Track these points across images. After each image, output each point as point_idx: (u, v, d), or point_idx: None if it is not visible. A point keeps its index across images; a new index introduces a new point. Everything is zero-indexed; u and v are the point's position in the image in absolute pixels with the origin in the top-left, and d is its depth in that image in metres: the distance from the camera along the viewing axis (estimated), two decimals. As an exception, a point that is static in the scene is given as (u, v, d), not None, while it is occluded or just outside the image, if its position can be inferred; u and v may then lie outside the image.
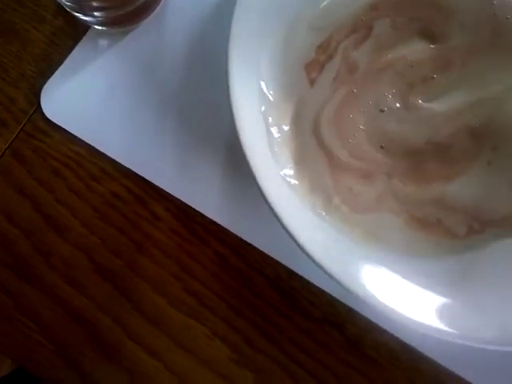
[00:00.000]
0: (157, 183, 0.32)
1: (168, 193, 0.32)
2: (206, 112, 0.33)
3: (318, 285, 0.30)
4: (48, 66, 0.34)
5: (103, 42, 0.34)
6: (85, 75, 0.34)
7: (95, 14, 0.33)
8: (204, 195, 0.32)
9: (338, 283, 0.27)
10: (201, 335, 0.30)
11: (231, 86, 0.28)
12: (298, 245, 0.27)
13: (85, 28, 0.34)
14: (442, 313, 0.28)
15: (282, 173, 0.29)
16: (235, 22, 0.28)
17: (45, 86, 0.34)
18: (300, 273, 0.31)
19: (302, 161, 0.30)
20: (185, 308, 0.30)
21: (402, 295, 0.28)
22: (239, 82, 0.28)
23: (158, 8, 0.35)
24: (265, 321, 0.30)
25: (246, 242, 0.31)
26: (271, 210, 0.27)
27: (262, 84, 0.30)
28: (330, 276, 0.27)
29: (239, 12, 0.28)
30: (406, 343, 0.29)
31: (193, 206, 0.32)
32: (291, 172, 0.30)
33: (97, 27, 0.34)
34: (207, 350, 0.30)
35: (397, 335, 0.30)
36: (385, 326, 0.30)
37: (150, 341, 0.30)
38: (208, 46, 0.34)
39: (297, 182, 0.30)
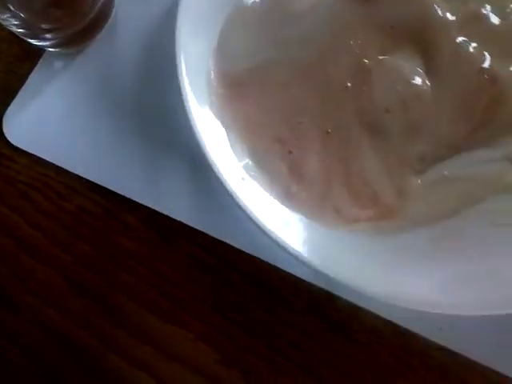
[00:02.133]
0: (123, 193, 0.32)
1: (135, 201, 0.32)
2: (164, 118, 0.33)
3: (296, 274, 0.30)
4: (7, 94, 0.34)
5: (58, 64, 0.35)
6: (43, 98, 0.34)
7: (47, 36, 0.34)
8: (171, 199, 0.32)
9: (313, 269, 0.27)
10: (183, 339, 0.30)
11: (181, 84, 0.28)
12: (268, 236, 0.27)
13: (40, 52, 0.35)
14: (418, 285, 0.27)
15: (241, 165, 0.29)
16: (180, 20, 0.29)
17: (6, 113, 0.34)
18: (277, 265, 0.30)
19: (257, 152, 0.30)
20: (164, 314, 0.30)
21: (376, 273, 0.28)
22: (189, 77, 0.29)
23: (108, 25, 0.36)
24: (246, 317, 0.30)
25: (218, 240, 0.31)
26: (236, 203, 0.27)
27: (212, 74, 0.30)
28: (303, 263, 0.27)
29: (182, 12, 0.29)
30: (389, 321, 0.29)
31: (161, 211, 0.32)
32: (250, 163, 0.30)
33: (50, 49, 0.35)
34: (192, 354, 0.29)
35: (380, 314, 0.29)
36: (367, 307, 0.29)
37: (133, 352, 0.30)
38: (158, 53, 0.34)
39: (257, 173, 0.29)
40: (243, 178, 0.29)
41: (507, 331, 0.28)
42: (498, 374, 0.28)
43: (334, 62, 0.31)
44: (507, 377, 0.28)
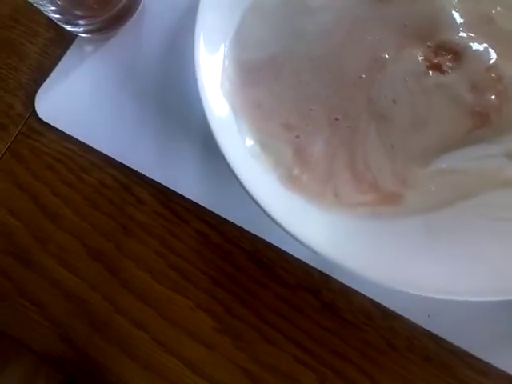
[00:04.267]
0: (140, 170, 0.35)
1: (151, 178, 0.34)
2: (181, 103, 0.35)
3: (292, 253, 0.32)
4: (41, 74, 0.37)
5: (88, 49, 0.38)
6: (73, 79, 0.37)
7: (79, 22, 0.36)
8: (184, 178, 0.34)
9: (308, 249, 0.28)
10: (184, 307, 0.32)
11: (197, 70, 0.31)
12: (268, 215, 0.29)
13: (72, 37, 0.38)
14: (410, 270, 0.29)
15: (248, 147, 0.31)
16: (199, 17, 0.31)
17: (38, 92, 0.37)
18: (275, 244, 0.32)
19: (264, 136, 0.32)
20: (169, 283, 0.32)
21: (369, 256, 0.29)
22: (204, 63, 0.31)
23: (136, 14, 0.38)
24: (243, 290, 0.32)
25: (224, 219, 0.33)
26: (240, 184, 0.29)
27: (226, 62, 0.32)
28: (300, 243, 0.28)
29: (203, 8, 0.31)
30: (379, 303, 0.30)
31: (174, 189, 0.34)
32: (257, 147, 0.32)
33: (82, 35, 0.38)
34: (191, 321, 0.32)
35: (370, 296, 0.30)
36: (358, 289, 0.31)
37: (137, 314, 0.32)
38: (180, 43, 0.36)
39: (262, 156, 0.31)
40: (248, 160, 0.31)
41: (491, 320, 0.29)
42: (479, 360, 0.29)
43: (351, 54, 0.33)
44: (489, 363, 0.28)
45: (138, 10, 0.38)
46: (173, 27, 0.38)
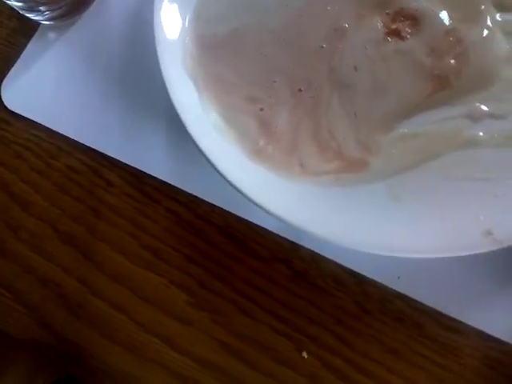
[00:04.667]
0: (108, 153, 0.35)
1: (119, 160, 0.34)
2: (147, 84, 0.35)
3: (263, 226, 0.32)
4: (6, 64, 0.37)
5: (52, 36, 0.38)
6: (38, 67, 0.37)
7: (41, 9, 0.36)
8: (152, 158, 0.34)
9: (276, 219, 0.29)
10: (159, 285, 0.32)
11: (158, 48, 0.31)
12: (235, 187, 0.29)
13: (36, 26, 0.38)
14: (377, 232, 0.29)
15: (212, 123, 0.32)
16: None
17: (4, 82, 0.37)
18: (246, 217, 0.32)
19: (227, 110, 0.32)
20: (142, 262, 0.33)
21: (336, 221, 0.29)
22: (164, 41, 0.31)
23: (98, -1, 0.38)
24: (217, 265, 0.32)
25: (194, 196, 0.33)
26: (206, 159, 0.29)
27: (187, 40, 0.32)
28: (268, 213, 0.29)
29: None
30: (350, 269, 0.31)
31: (143, 170, 0.34)
32: (221, 121, 0.32)
33: (45, 23, 0.38)
34: (165, 298, 0.32)
35: (341, 262, 0.31)
36: (329, 256, 0.31)
37: (112, 295, 0.32)
38: (143, 24, 0.36)
39: (226, 130, 0.32)
40: (212, 134, 0.31)
41: (460, 278, 0.30)
42: (451, 318, 0.29)
43: (311, 25, 0.33)
44: (460, 321, 0.29)
45: (99, -5, 0.38)
46: (136, 8, 0.38)
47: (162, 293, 0.32)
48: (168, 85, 0.31)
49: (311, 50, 0.33)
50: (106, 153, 0.35)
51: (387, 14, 0.33)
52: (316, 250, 0.31)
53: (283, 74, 0.33)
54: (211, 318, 0.31)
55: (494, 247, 0.26)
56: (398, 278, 0.30)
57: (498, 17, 0.32)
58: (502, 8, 0.32)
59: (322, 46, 0.33)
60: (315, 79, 0.33)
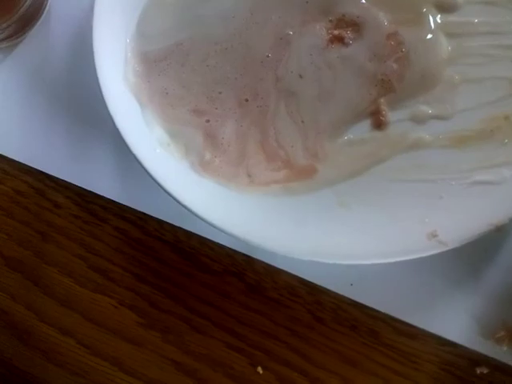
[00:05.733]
0: (54, 174, 0.34)
1: (66, 181, 0.33)
2: (90, 102, 0.35)
3: (214, 240, 0.31)
4: None
5: (-6, 57, 0.37)
6: (-19, 90, 0.36)
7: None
8: (98, 177, 0.34)
9: (225, 233, 0.28)
10: (108, 307, 0.31)
11: (97, 62, 0.30)
12: (182, 205, 0.28)
13: (-23, 47, 0.37)
14: (325, 240, 0.29)
15: (156, 138, 0.31)
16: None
17: None
18: (196, 232, 0.32)
19: (172, 124, 0.31)
20: (91, 284, 0.32)
21: (285, 233, 0.29)
22: (105, 59, 0.31)
23: (42, 18, 0.38)
24: (168, 283, 0.31)
25: (143, 213, 0.32)
26: (151, 177, 0.29)
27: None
28: (217, 229, 0.28)
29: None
30: (303, 279, 0.30)
31: (90, 189, 0.33)
32: (165, 136, 0.31)
33: (-14, 45, 0.37)
34: (115, 320, 0.31)
35: (294, 273, 0.30)
36: (282, 267, 0.30)
37: (60, 320, 0.31)
38: (86, 43, 0.36)
39: (172, 145, 0.31)
40: (156, 150, 0.31)
41: (411, 283, 0.29)
42: (404, 323, 0.29)
43: (256, 35, 0.33)
44: (413, 325, 0.29)
45: (43, 14, 0.38)
46: (79, 27, 0.37)
47: (111, 314, 0.31)
48: (108, 103, 0.30)
49: (257, 60, 0.33)
50: (52, 174, 0.34)
51: (330, 21, 0.33)
52: (269, 262, 0.30)
53: (229, 84, 0.32)
54: (163, 337, 0.30)
55: (440, 249, 0.26)
56: (351, 285, 0.30)
57: (438, 19, 0.32)
58: (443, 9, 0.32)
59: (268, 55, 0.32)
60: (262, 88, 0.32)
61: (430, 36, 0.32)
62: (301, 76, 0.32)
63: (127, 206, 0.33)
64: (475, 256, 0.29)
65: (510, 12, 0.31)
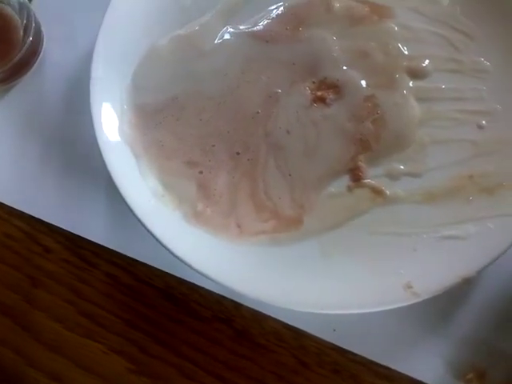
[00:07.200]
0: (46, 219, 0.35)
1: (57, 226, 0.34)
2: (83, 149, 0.36)
3: (204, 286, 0.33)
4: None
5: (-13, 102, 0.38)
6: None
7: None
8: (90, 223, 0.35)
9: (214, 282, 0.30)
10: (97, 352, 0.32)
11: (93, 113, 0.32)
12: (173, 254, 0.30)
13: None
14: (310, 290, 0.31)
15: (150, 189, 0.32)
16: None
17: None
18: (186, 278, 0.33)
19: (166, 175, 0.33)
20: (80, 330, 0.32)
21: (271, 282, 0.31)
22: (100, 109, 0.32)
23: (36, 64, 0.39)
24: (158, 328, 0.32)
25: (133, 259, 0.33)
26: (143, 226, 0.30)
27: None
28: (206, 278, 0.30)
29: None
30: (288, 324, 0.32)
31: (80, 235, 0.34)
32: (159, 187, 0.33)
33: (-20, 90, 0.38)
34: (105, 365, 0.31)
35: (280, 319, 0.32)
36: (268, 313, 0.32)
37: (49, 365, 0.32)
38: (80, 90, 0.37)
39: (165, 196, 0.33)
40: (150, 201, 0.32)
41: (388, 329, 0.32)
42: (382, 366, 0.31)
43: (247, 92, 0.35)
44: (390, 368, 0.31)
45: (37, 61, 0.39)
46: (73, 74, 0.39)
47: (100, 360, 0.32)
48: (104, 153, 0.32)
49: (248, 116, 0.35)
50: (43, 219, 0.34)
51: (313, 82, 0.36)
52: (256, 308, 0.32)
53: (222, 138, 0.35)
54: (152, 383, 0.31)
55: (414, 300, 0.28)
56: (334, 330, 0.32)
57: (410, 84, 0.36)
58: (414, 76, 0.36)
59: (258, 112, 0.35)
60: (252, 142, 0.34)
61: (402, 100, 0.35)
62: (288, 132, 0.34)
63: (118, 252, 0.34)
64: (448, 304, 0.31)
65: (474, 80, 0.35)
